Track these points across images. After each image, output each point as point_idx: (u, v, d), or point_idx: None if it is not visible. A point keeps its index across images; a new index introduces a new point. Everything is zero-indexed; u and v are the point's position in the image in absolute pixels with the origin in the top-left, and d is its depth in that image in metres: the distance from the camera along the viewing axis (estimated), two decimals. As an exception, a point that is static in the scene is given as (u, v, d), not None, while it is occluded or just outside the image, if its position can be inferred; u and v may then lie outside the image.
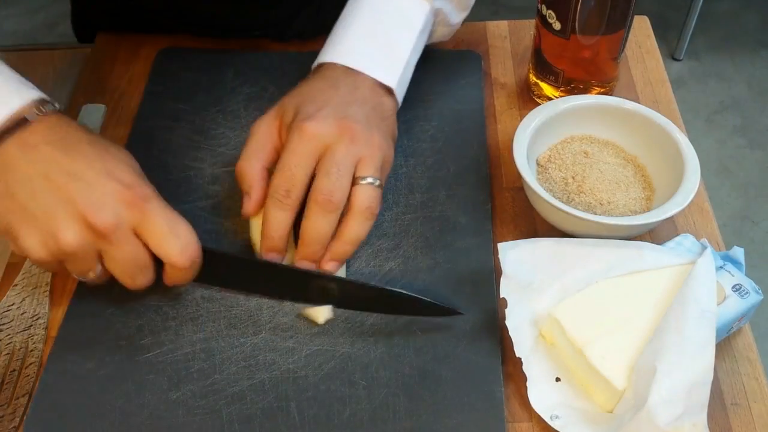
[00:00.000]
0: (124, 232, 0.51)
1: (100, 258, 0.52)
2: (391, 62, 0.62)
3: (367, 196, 0.56)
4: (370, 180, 0.56)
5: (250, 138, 0.59)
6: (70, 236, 0.49)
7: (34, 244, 0.50)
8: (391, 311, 0.57)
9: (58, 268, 0.53)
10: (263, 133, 0.58)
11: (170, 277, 0.55)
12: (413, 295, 0.56)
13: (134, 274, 0.53)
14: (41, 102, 0.53)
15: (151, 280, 0.54)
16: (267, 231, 0.56)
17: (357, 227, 0.56)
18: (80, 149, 0.52)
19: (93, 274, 0.53)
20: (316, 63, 0.63)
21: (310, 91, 0.59)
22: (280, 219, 0.56)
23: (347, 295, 0.57)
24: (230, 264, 0.58)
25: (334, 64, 0.61)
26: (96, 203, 0.50)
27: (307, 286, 0.57)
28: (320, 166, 0.55)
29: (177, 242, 0.52)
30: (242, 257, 0.60)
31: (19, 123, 0.51)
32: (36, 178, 0.50)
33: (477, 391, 0.53)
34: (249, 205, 0.57)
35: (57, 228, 0.49)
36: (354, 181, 0.56)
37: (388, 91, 0.61)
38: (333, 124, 0.56)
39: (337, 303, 0.58)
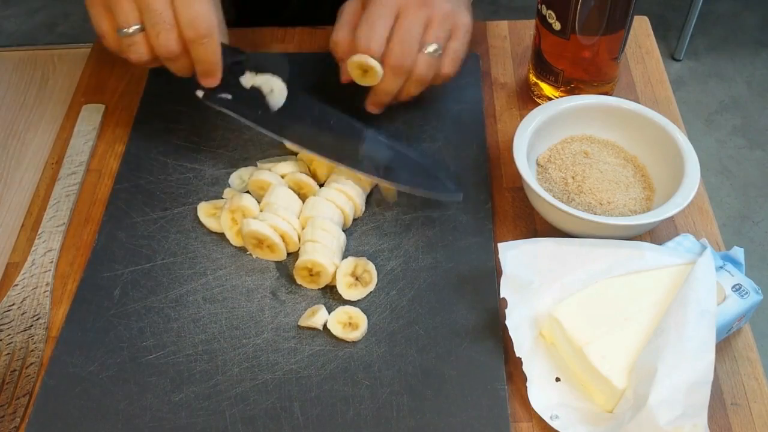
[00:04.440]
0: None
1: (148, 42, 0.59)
2: None
3: (424, 67, 0.63)
4: (431, 49, 0.62)
5: (339, 17, 0.66)
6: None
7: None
8: (396, 177, 0.63)
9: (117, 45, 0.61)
10: (350, 9, 0.65)
11: (195, 57, 0.60)
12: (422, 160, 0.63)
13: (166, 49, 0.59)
14: None
15: (187, 68, 0.61)
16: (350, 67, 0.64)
17: (411, 89, 0.65)
18: None
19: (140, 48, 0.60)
20: None
21: None
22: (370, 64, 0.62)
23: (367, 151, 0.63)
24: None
25: None
26: None
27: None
28: (395, 28, 0.62)
29: (190, 11, 0.58)
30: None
31: None
32: None
33: (480, 389, 0.53)
34: (344, 70, 0.65)
35: None
36: (419, 48, 0.62)
37: None
38: None
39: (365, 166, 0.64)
